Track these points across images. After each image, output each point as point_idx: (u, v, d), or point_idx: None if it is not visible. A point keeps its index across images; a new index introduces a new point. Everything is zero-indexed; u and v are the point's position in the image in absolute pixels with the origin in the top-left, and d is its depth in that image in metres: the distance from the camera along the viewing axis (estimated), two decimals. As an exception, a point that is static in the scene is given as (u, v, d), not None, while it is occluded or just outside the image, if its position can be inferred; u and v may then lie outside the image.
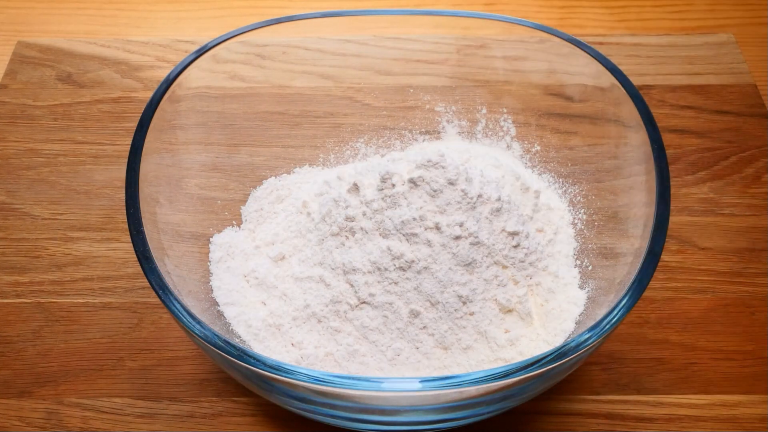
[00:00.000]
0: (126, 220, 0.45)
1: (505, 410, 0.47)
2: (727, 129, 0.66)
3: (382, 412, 0.43)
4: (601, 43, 0.72)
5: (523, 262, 0.49)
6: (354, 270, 0.48)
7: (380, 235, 0.48)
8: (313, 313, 0.49)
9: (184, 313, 0.41)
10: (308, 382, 0.39)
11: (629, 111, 0.50)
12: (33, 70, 0.71)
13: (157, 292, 0.42)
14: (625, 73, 0.51)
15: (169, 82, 0.51)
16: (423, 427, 0.45)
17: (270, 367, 0.39)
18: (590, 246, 0.54)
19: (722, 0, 0.79)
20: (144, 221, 0.45)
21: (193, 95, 0.53)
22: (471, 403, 0.42)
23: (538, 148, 0.59)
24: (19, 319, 0.55)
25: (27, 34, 0.75)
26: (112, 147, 0.65)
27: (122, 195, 0.59)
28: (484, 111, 0.61)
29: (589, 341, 0.40)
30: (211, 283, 0.52)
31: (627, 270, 0.46)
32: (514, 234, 0.49)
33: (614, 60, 0.52)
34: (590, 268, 0.52)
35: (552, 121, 0.59)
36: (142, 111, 0.49)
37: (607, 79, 0.51)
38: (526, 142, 0.60)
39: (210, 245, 0.54)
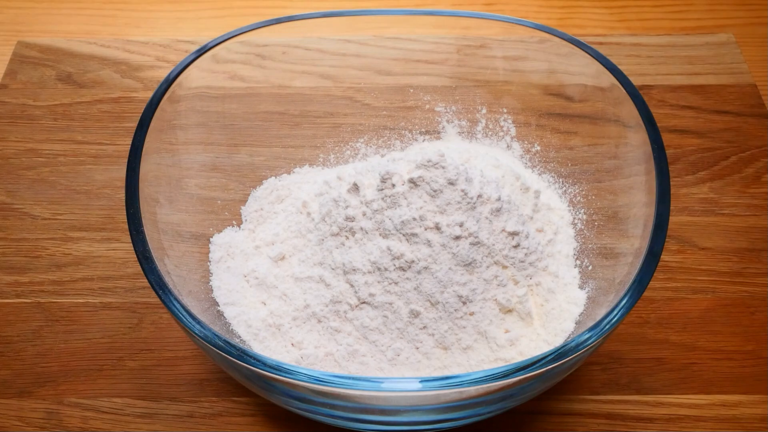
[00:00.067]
0: (126, 220, 0.45)
1: (505, 410, 0.47)
2: (727, 129, 0.66)
3: (382, 412, 0.43)
4: (601, 43, 0.72)
5: (523, 262, 0.49)
6: (354, 270, 0.48)
7: (380, 235, 0.48)
8: (313, 313, 0.49)
9: (184, 313, 0.41)
10: (308, 382, 0.39)
11: (629, 111, 0.50)
12: (33, 70, 0.71)
13: (157, 292, 0.42)
14: (625, 73, 0.51)
15: (169, 82, 0.51)
16: (423, 427, 0.45)
17: (270, 367, 0.39)
18: (590, 246, 0.54)
19: (722, 0, 0.79)
20: (144, 221, 0.45)
21: (193, 95, 0.53)
22: (471, 403, 0.42)
23: (538, 148, 0.59)
24: (19, 319, 0.55)
25: (27, 34, 0.75)
26: (112, 147, 0.65)
27: (122, 195, 0.59)
28: (484, 111, 0.61)
29: (589, 341, 0.40)
30: (211, 283, 0.52)
31: (627, 270, 0.46)
32: (514, 234, 0.49)
33: (614, 60, 0.52)
34: (590, 268, 0.52)
35: (552, 121, 0.59)
36: (142, 111, 0.49)
37: (607, 79, 0.51)
38: (526, 142, 0.60)
39: (210, 245, 0.54)
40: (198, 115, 0.55)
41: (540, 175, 0.59)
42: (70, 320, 0.55)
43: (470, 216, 0.48)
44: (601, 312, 0.45)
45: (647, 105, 0.49)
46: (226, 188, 0.57)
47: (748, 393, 0.52)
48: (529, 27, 0.55)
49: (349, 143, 0.61)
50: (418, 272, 0.47)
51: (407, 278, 0.47)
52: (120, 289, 0.56)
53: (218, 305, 0.51)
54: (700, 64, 0.71)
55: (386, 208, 0.48)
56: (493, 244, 0.48)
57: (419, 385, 0.38)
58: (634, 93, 0.50)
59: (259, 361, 0.39)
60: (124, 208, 0.45)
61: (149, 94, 0.66)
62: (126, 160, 0.47)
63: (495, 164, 0.55)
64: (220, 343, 0.40)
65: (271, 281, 0.51)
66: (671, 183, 0.48)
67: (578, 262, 0.53)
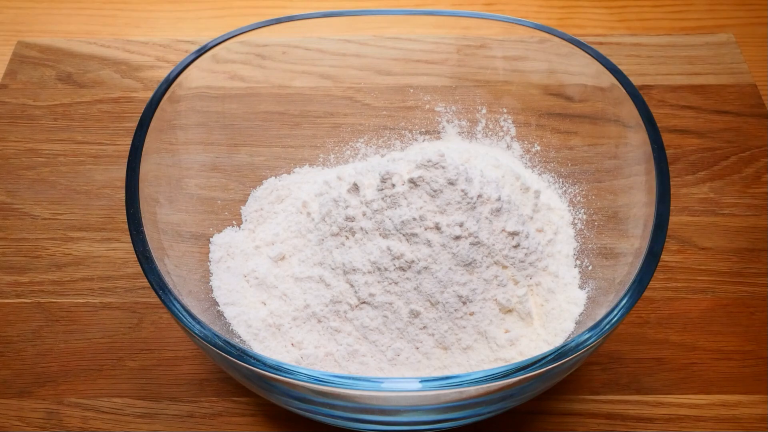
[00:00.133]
0: (126, 220, 0.45)
1: (505, 410, 0.47)
2: (727, 129, 0.66)
3: (382, 412, 0.43)
4: (601, 43, 0.72)
5: (523, 262, 0.49)
6: (354, 270, 0.48)
7: (380, 235, 0.48)
8: (313, 313, 0.49)
9: (184, 313, 0.41)
10: (308, 382, 0.39)
11: (629, 111, 0.50)
12: (33, 70, 0.71)
13: (157, 292, 0.42)
14: (625, 73, 0.51)
15: (169, 82, 0.51)
16: (423, 427, 0.45)
17: (270, 367, 0.39)
18: (590, 246, 0.54)
19: (722, 0, 0.79)
20: (144, 221, 0.45)
21: (193, 95, 0.53)
22: (471, 403, 0.42)
23: (538, 148, 0.59)
24: (19, 319, 0.55)
25: (27, 34, 0.75)
26: (112, 147, 0.65)
27: (122, 195, 0.59)
28: (484, 111, 0.61)
29: (589, 341, 0.40)
30: (211, 283, 0.52)
31: (627, 270, 0.46)
32: (514, 234, 0.49)
33: (614, 60, 0.52)
34: (590, 268, 0.52)
35: (552, 121, 0.59)
36: (142, 111, 0.49)
37: (607, 79, 0.51)
38: (526, 142, 0.60)
39: (210, 245, 0.54)
40: (198, 115, 0.55)
41: (540, 175, 0.59)
42: (70, 320, 0.55)
43: (470, 216, 0.48)
44: (601, 312, 0.45)
45: (647, 105, 0.49)
46: (226, 188, 0.57)
47: (748, 393, 0.52)
48: (529, 27, 0.55)
49: (349, 143, 0.61)
50: (418, 272, 0.47)
51: (407, 278, 0.47)
52: (120, 289, 0.56)
53: (218, 305, 0.51)
54: (700, 64, 0.71)
55: (386, 208, 0.48)
56: (493, 244, 0.48)
57: (419, 385, 0.38)
58: (634, 93, 0.50)
59: (259, 361, 0.39)
60: (124, 208, 0.45)
61: (149, 94, 0.66)
62: (126, 160, 0.47)
63: (495, 164, 0.55)
64: (220, 343, 0.40)
65: (271, 281, 0.51)
66: (671, 183, 0.48)
67: (578, 262, 0.53)
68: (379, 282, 0.48)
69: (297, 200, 0.56)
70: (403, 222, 0.47)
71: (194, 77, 0.53)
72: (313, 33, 0.57)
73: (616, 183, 0.53)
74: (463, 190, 0.48)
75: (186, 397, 0.52)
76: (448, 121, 0.62)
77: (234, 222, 0.56)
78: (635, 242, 0.47)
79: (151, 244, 0.44)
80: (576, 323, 0.49)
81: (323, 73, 0.61)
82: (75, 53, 0.72)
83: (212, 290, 0.51)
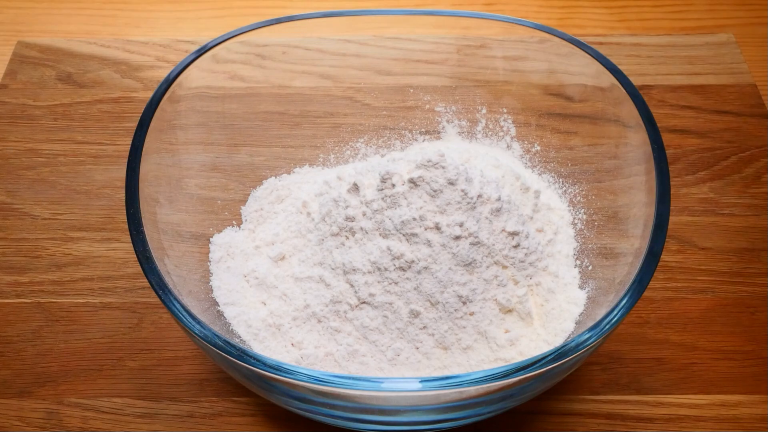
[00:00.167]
0: (126, 220, 0.45)
1: (505, 410, 0.47)
2: (727, 129, 0.66)
3: (382, 412, 0.43)
4: (601, 43, 0.72)
5: (523, 262, 0.49)
6: (354, 270, 0.48)
7: (380, 235, 0.48)
8: (313, 313, 0.49)
9: (184, 313, 0.41)
10: (308, 382, 0.39)
11: (629, 111, 0.50)
12: (33, 70, 0.71)
13: (157, 292, 0.42)
14: (625, 73, 0.51)
15: (169, 82, 0.51)
16: (423, 427, 0.45)
17: (270, 367, 0.39)
18: (590, 246, 0.54)
19: (722, 0, 0.79)
20: (144, 221, 0.45)
21: (193, 95, 0.53)
22: (471, 403, 0.42)
23: (538, 148, 0.59)
24: (19, 319, 0.55)
25: (27, 34, 0.75)
26: (112, 147, 0.65)
27: (122, 195, 0.59)
28: (484, 111, 0.61)
29: (589, 341, 0.40)
30: (211, 283, 0.52)
31: (627, 270, 0.46)
32: (514, 234, 0.49)
33: (614, 60, 0.52)
34: (590, 268, 0.52)
35: (552, 121, 0.59)
36: (142, 111, 0.49)
37: (607, 79, 0.51)
38: (526, 142, 0.60)
39: (210, 245, 0.54)
40: (198, 115, 0.55)
41: (540, 175, 0.59)
42: (70, 320, 0.55)
43: (470, 216, 0.48)
44: (601, 312, 0.45)
45: (647, 105, 0.49)
46: (226, 188, 0.57)
47: (748, 393, 0.52)
48: (529, 27, 0.55)
49: (349, 143, 0.61)
50: (418, 272, 0.47)
51: (407, 278, 0.47)
52: (120, 289, 0.56)
53: (218, 305, 0.51)
54: (700, 64, 0.71)
55: (386, 208, 0.48)
56: (493, 244, 0.48)
57: (419, 385, 0.38)
58: (634, 93, 0.50)
59: (259, 361, 0.39)
60: (124, 208, 0.45)
61: (149, 94, 0.66)
62: (126, 160, 0.47)
63: (495, 164, 0.55)
64: (220, 343, 0.40)
65: (271, 281, 0.51)
66: (671, 183, 0.48)
67: (578, 262, 0.53)
68: (379, 282, 0.48)
69: (297, 200, 0.56)
70: (403, 222, 0.47)
71: (194, 77, 0.53)
72: (313, 33, 0.57)
73: (616, 183, 0.53)
74: (463, 190, 0.48)
75: (186, 397, 0.52)
76: (448, 121, 0.62)
77: (234, 222, 0.56)
78: (635, 242, 0.47)
79: (151, 244, 0.44)
80: (576, 323, 0.49)
81: (323, 73, 0.61)
82: (75, 53, 0.72)
83: (212, 290, 0.51)
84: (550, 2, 0.80)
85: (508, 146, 0.60)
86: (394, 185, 0.49)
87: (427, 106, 0.62)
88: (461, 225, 0.47)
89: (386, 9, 0.57)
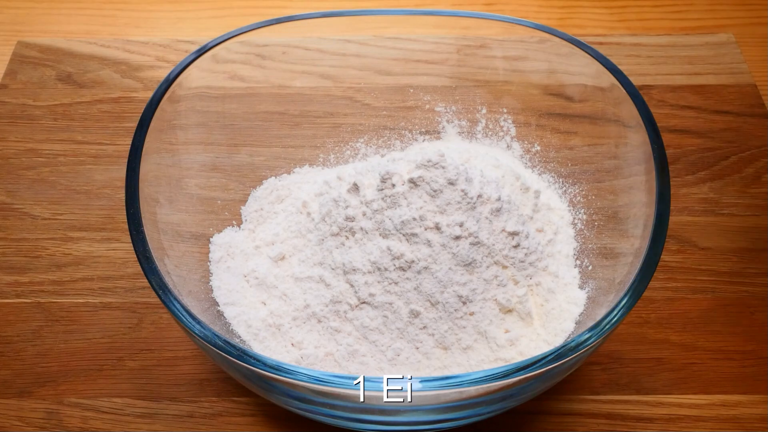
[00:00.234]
0: (126, 220, 0.45)
1: (505, 410, 0.47)
2: (727, 129, 0.66)
3: (382, 412, 0.43)
4: (601, 43, 0.72)
5: (523, 262, 0.49)
6: (354, 270, 0.48)
7: (380, 235, 0.48)
8: (313, 313, 0.49)
9: (184, 313, 0.41)
10: (308, 382, 0.39)
11: (629, 111, 0.50)
12: (33, 70, 0.71)
13: (157, 292, 0.42)
14: (625, 73, 0.51)
15: (169, 82, 0.51)
16: (423, 427, 0.45)
17: (270, 367, 0.39)
18: (590, 246, 0.54)
19: (722, 0, 0.79)
20: (144, 221, 0.45)
21: (193, 95, 0.53)
22: (471, 403, 0.42)
23: (538, 148, 0.59)
24: (19, 319, 0.55)
25: (27, 34, 0.75)
26: (112, 147, 0.65)
27: (122, 195, 0.59)
28: (484, 111, 0.61)
29: (589, 341, 0.40)
30: (211, 283, 0.52)
31: (627, 270, 0.46)
32: (514, 234, 0.49)
33: (614, 60, 0.52)
34: (590, 268, 0.52)
35: (552, 121, 0.59)
36: (142, 111, 0.49)
37: (607, 79, 0.51)
38: (526, 142, 0.60)
39: (210, 245, 0.54)
40: (198, 115, 0.55)
41: (540, 175, 0.59)
42: (70, 320, 0.55)
43: (470, 216, 0.48)
44: (601, 312, 0.45)
45: (647, 105, 0.49)
46: (226, 188, 0.57)
47: (748, 393, 0.52)
48: (529, 27, 0.55)
49: (349, 143, 0.61)
50: (418, 272, 0.47)
51: (407, 278, 0.47)
52: (120, 289, 0.56)
53: (218, 305, 0.51)
54: (700, 64, 0.71)
55: (386, 208, 0.48)
56: (493, 244, 0.48)
57: (419, 385, 0.38)
58: (634, 93, 0.50)
59: (259, 361, 0.39)
60: (124, 208, 0.45)
61: (149, 94, 0.66)
62: (126, 160, 0.47)
63: (495, 164, 0.55)
64: (220, 343, 0.40)
65: (271, 281, 0.51)
66: (671, 183, 0.47)
67: (578, 262, 0.53)
68: (379, 282, 0.48)
69: (297, 200, 0.56)
70: (403, 222, 0.47)
71: (194, 77, 0.53)
72: (313, 33, 0.57)
73: (616, 183, 0.53)
74: (463, 190, 0.48)
75: (186, 397, 0.52)
76: (448, 121, 0.62)
77: (234, 222, 0.56)
78: (635, 242, 0.47)
79: (151, 244, 0.44)
80: (576, 323, 0.49)
81: (323, 73, 0.61)
82: (75, 53, 0.72)
83: (212, 290, 0.51)
84: (550, 2, 0.80)
85: (508, 146, 0.60)
86: (394, 185, 0.49)
87: (427, 106, 0.62)
88: (461, 225, 0.47)
89: (386, 9, 0.57)
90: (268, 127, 0.60)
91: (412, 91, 0.62)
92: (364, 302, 0.48)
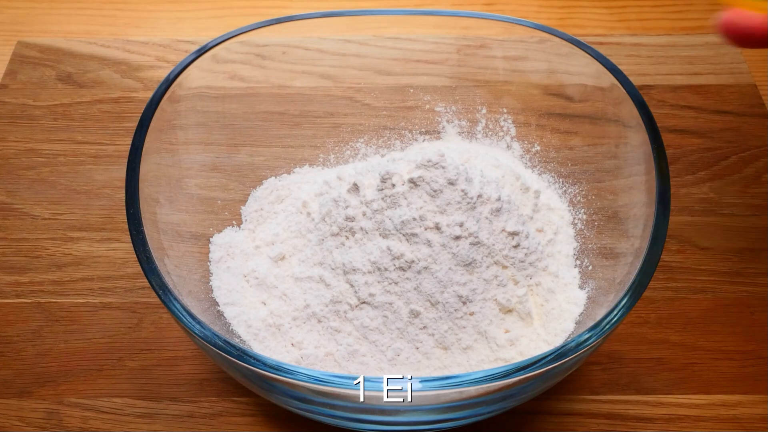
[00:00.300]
0: (126, 220, 0.45)
1: (505, 410, 0.47)
2: (727, 129, 0.66)
3: (382, 412, 0.43)
4: (601, 43, 0.72)
5: (523, 262, 0.49)
6: (354, 270, 0.48)
7: (380, 235, 0.48)
8: (313, 313, 0.49)
9: (184, 313, 0.41)
10: (308, 382, 0.39)
11: (629, 111, 0.50)
12: (33, 70, 0.71)
13: (157, 292, 0.42)
14: (625, 73, 0.51)
15: (169, 82, 0.51)
16: (423, 427, 0.45)
17: (270, 367, 0.39)
18: (590, 246, 0.54)
19: (722, 0, 0.79)
20: (144, 221, 0.45)
21: (193, 95, 0.53)
22: (471, 403, 0.42)
23: (538, 148, 0.59)
24: (19, 319, 0.55)
25: (27, 34, 0.75)
26: (112, 147, 0.65)
27: (122, 195, 0.59)
28: (484, 111, 0.61)
29: (589, 341, 0.40)
30: (211, 283, 0.52)
31: (627, 270, 0.46)
32: (514, 234, 0.49)
33: (614, 60, 0.52)
34: (590, 268, 0.52)
35: (552, 121, 0.59)
36: (142, 111, 0.49)
37: (607, 79, 0.51)
38: (526, 142, 0.60)
39: (210, 245, 0.54)
40: (198, 115, 0.55)
41: (540, 175, 0.59)
42: (70, 320, 0.55)
43: (470, 216, 0.48)
44: (601, 312, 0.45)
45: (647, 105, 0.49)
46: (226, 188, 0.57)
47: (748, 393, 0.52)
48: (529, 27, 0.55)
49: (349, 143, 0.61)
50: (418, 272, 0.47)
51: (407, 278, 0.47)
52: (120, 289, 0.56)
53: (218, 305, 0.51)
54: (700, 64, 0.71)
55: (386, 208, 0.48)
56: (493, 244, 0.48)
57: (419, 385, 0.38)
58: (634, 93, 0.50)
59: (259, 361, 0.39)
60: (124, 208, 0.45)
61: (149, 94, 0.66)
62: (126, 160, 0.47)
63: (495, 164, 0.55)
64: (220, 343, 0.40)
65: (271, 281, 0.51)
66: (671, 183, 0.47)
67: (578, 262, 0.53)
68: (379, 282, 0.48)
69: (297, 200, 0.56)
70: (403, 222, 0.47)
71: (194, 77, 0.53)
72: (313, 33, 0.57)
73: (616, 183, 0.53)
74: (463, 190, 0.48)
75: (186, 397, 0.52)
76: (448, 121, 0.62)
77: (234, 222, 0.56)
78: (635, 242, 0.47)
79: (151, 244, 0.44)
80: (576, 323, 0.49)
81: (323, 73, 0.61)
82: (75, 53, 0.72)
83: (212, 290, 0.51)
84: (550, 2, 0.80)
85: (508, 146, 0.60)
86: (394, 185, 0.49)
87: (427, 106, 0.62)
88: (461, 225, 0.47)
89: (386, 9, 0.57)
90: (268, 127, 0.60)
91: (412, 91, 0.62)
92: (364, 302, 0.48)
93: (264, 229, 0.55)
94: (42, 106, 0.68)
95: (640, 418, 0.51)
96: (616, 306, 0.41)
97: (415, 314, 0.47)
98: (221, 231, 0.55)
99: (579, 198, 0.56)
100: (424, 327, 0.47)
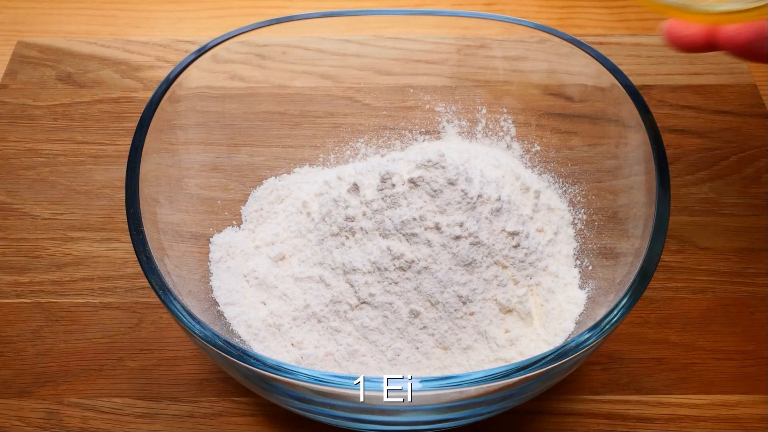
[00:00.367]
0: (126, 220, 0.45)
1: (505, 410, 0.47)
2: (727, 129, 0.66)
3: (382, 412, 0.43)
4: (601, 43, 0.72)
5: (523, 262, 0.49)
6: (354, 270, 0.48)
7: (380, 235, 0.48)
8: (313, 313, 0.49)
9: (184, 313, 0.41)
10: (308, 382, 0.39)
11: (629, 111, 0.50)
12: (33, 70, 0.71)
13: (157, 292, 0.42)
14: (625, 73, 0.51)
15: (169, 82, 0.51)
16: (423, 427, 0.45)
17: (270, 367, 0.39)
18: (590, 246, 0.54)
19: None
20: (144, 221, 0.45)
21: (193, 95, 0.53)
22: (471, 403, 0.42)
23: (538, 148, 0.59)
24: (19, 319, 0.55)
25: (27, 34, 0.75)
26: (112, 147, 0.65)
27: (122, 195, 0.59)
28: (484, 111, 0.61)
29: (589, 341, 0.40)
30: (211, 283, 0.52)
31: (627, 270, 0.46)
32: (514, 234, 0.49)
33: (614, 60, 0.52)
34: (590, 268, 0.52)
35: (552, 121, 0.59)
36: (142, 111, 0.49)
37: (607, 79, 0.51)
38: (526, 142, 0.60)
39: (210, 245, 0.54)
40: (198, 115, 0.55)
41: (540, 175, 0.59)
42: (70, 320, 0.55)
43: (470, 216, 0.48)
44: (601, 312, 0.45)
45: (647, 105, 0.49)
46: (226, 188, 0.57)
47: (748, 393, 0.52)
48: (529, 27, 0.55)
49: (349, 143, 0.61)
50: (418, 272, 0.47)
51: (407, 278, 0.47)
52: (120, 289, 0.56)
53: (218, 305, 0.51)
54: (700, 64, 0.71)
55: (386, 208, 0.48)
56: (493, 244, 0.48)
57: (419, 385, 0.38)
58: (634, 93, 0.50)
59: (259, 361, 0.39)
60: (124, 208, 0.45)
61: (149, 94, 0.66)
62: (126, 160, 0.47)
63: (495, 164, 0.55)
64: (220, 343, 0.40)
65: (271, 281, 0.51)
66: (671, 183, 0.47)
67: (578, 262, 0.53)
68: (379, 282, 0.48)
69: (297, 200, 0.56)
70: (403, 222, 0.47)
71: (194, 77, 0.53)
72: (313, 33, 0.57)
73: (616, 183, 0.53)
74: (463, 190, 0.48)
75: (186, 397, 0.52)
76: (448, 121, 0.62)
77: (234, 222, 0.56)
78: (635, 242, 0.47)
79: (151, 244, 0.44)
80: (576, 323, 0.49)
81: (323, 73, 0.61)
82: (75, 53, 0.72)
83: (212, 290, 0.51)
84: (550, 2, 0.80)
85: (508, 146, 0.60)
86: (394, 185, 0.49)
87: (427, 106, 0.62)
88: (461, 225, 0.47)
89: (386, 9, 0.57)
90: (268, 127, 0.60)
91: (412, 91, 0.62)
92: (364, 302, 0.48)
93: (264, 229, 0.55)
94: (42, 106, 0.68)
95: (640, 418, 0.51)
96: (616, 306, 0.41)
97: (415, 314, 0.47)
98: (221, 231, 0.55)
99: (579, 198, 0.56)
100: (424, 327, 0.47)
